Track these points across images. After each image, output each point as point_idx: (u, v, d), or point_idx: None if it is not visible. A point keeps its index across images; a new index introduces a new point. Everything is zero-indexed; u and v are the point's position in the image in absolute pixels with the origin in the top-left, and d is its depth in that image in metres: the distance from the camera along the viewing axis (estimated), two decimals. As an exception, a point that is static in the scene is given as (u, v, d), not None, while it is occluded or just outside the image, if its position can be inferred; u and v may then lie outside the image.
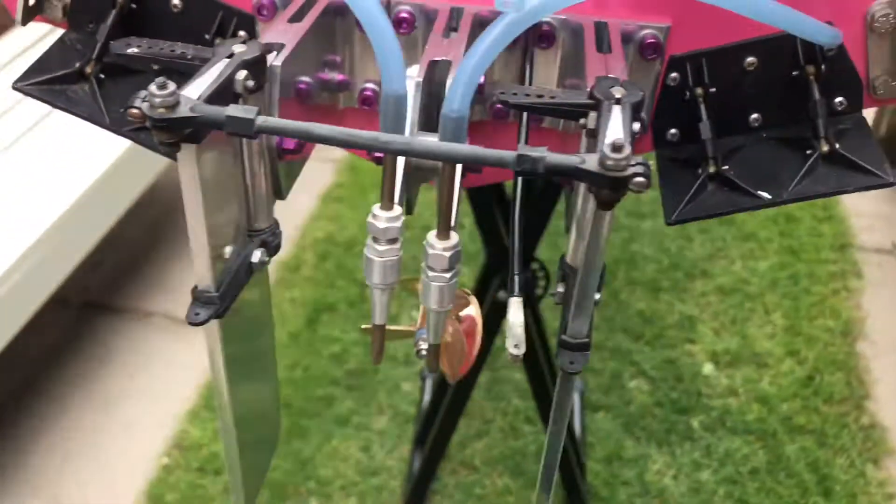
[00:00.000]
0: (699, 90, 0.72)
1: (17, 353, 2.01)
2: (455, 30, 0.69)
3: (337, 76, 0.74)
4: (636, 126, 0.53)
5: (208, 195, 0.54)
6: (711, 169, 0.72)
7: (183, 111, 0.47)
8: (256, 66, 0.56)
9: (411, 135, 0.59)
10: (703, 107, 0.72)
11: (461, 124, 0.53)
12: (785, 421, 2.11)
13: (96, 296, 2.39)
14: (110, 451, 2.07)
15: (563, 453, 1.98)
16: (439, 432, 1.83)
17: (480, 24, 0.70)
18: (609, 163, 0.45)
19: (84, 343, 2.30)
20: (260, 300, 0.68)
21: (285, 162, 0.64)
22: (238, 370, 0.66)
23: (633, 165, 0.45)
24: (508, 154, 0.45)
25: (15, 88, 0.71)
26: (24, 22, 0.74)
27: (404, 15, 0.72)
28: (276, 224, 0.65)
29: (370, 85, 0.75)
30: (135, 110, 0.47)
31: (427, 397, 2.11)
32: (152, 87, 0.47)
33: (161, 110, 0.47)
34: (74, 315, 2.35)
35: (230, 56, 0.55)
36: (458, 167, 0.57)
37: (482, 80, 0.70)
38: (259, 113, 0.46)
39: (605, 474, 2.02)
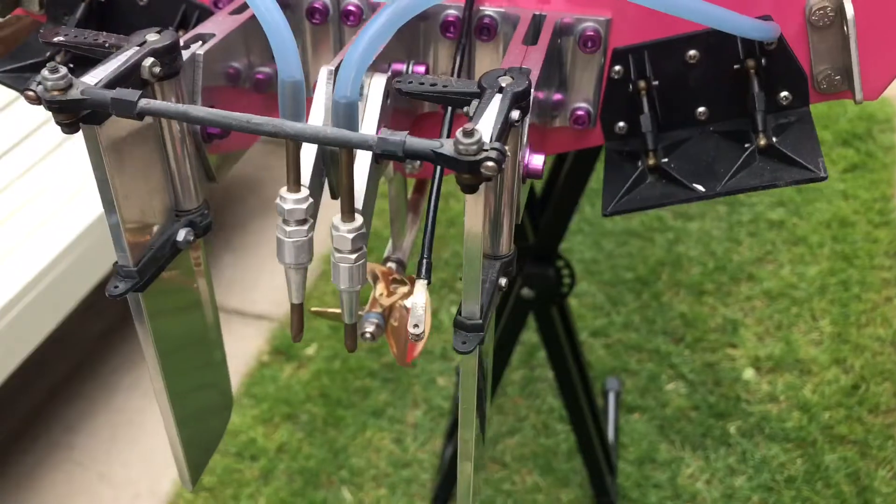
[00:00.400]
0: (641, 83, 0.72)
1: (71, 337, 2.12)
2: None
3: None
4: (514, 114, 0.54)
5: (123, 175, 0.57)
6: (651, 161, 0.72)
7: (73, 94, 0.51)
8: (167, 55, 0.59)
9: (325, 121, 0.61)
10: (644, 100, 0.72)
11: (351, 110, 0.55)
12: (826, 430, 2.05)
13: (149, 284, 2.48)
14: (154, 433, 2.16)
15: (591, 453, 1.98)
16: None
17: (425, 18, 0.72)
18: (461, 147, 0.46)
19: (133, 330, 2.39)
20: (196, 279, 0.71)
21: (219, 148, 0.67)
22: (174, 346, 0.69)
23: (486, 150, 0.46)
24: (371, 137, 0.47)
25: None
26: (2, 14, 0.79)
27: (351, 8, 0.74)
28: (206, 205, 0.68)
29: None
30: (30, 93, 0.51)
31: (461, 392, 2.13)
32: (45, 72, 0.51)
33: (54, 93, 0.51)
34: (125, 302, 2.45)
35: (142, 44, 0.59)
36: (368, 154, 0.59)
37: (424, 70, 0.72)
38: (143, 96, 0.49)
39: (636, 476, 2.00)
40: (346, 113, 0.55)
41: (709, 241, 2.55)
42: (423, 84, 0.57)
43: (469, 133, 0.46)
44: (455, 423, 2.05)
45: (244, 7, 0.71)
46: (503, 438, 2.11)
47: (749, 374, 2.19)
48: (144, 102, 0.49)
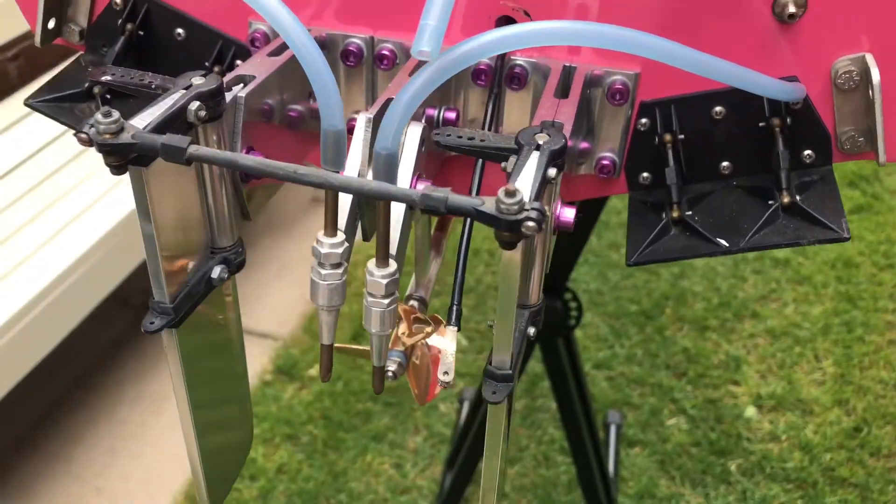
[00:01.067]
0: (667, 136, 0.74)
1: (78, 348, 2.12)
2: None
3: None
4: (552, 171, 0.55)
5: (163, 213, 0.58)
6: (675, 214, 0.73)
7: (125, 138, 0.52)
8: (212, 98, 0.60)
9: (363, 167, 0.62)
10: (669, 152, 0.73)
11: (392, 161, 0.57)
12: (827, 472, 2.05)
13: (155, 299, 2.49)
14: (154, 448, 2.15)
15: (592, 487, 1.97)
16: (468, 455, 1.85)
17: None
18: (502, 206, 0.47)
19: (140, 342, 2.40)
20: (227, 314, 0.72)
21: (256, 183, 0.68)
22: (201, 378, 0.70)
23: (526, 210, 0.47)
24: (414, 192, 0.48)
25: (26, 104, 0.78)
26: (43, 43, 0.80)
27: (385, 52, 0.76)
28: (240, 243, 0.69)
29: (355, 115, 0.79)
30: (82, 135, 0.52)
31: (463, 420, 2.13)
32: (98, 115, 0.52)
33: (106, 136, 0.52)
34: (133, 314, 2.46)
35: (188, 87, 0.60)
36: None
37: (454, 115, 0.73)
38: (193, 142, 0.50)
39: (635, 511, 2.00)
40: (387, 163, 0.57)
41: (714, 276, 2.56)
42: (460, 137, 0.58)
43: (511, 193, 0.47)
44: (455, 452, 2.05)
45: (282, 49, 0.72)
46: (503, 467, 2.11)
47: (751, 412, 2.19)
48: (193, 149, 0.50)
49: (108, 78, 0.63)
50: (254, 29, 0.78)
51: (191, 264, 0.64)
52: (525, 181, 0.53)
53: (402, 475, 2.09)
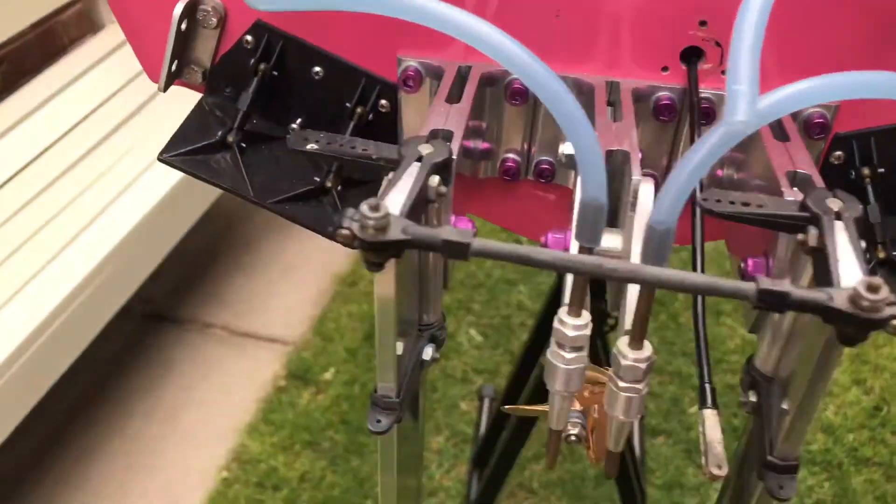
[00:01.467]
0: (866, 170, 0.69)
1: (83, 362, 2.04)
2: (612, 104, 0.67)
3: (481, 144, 0.72)
4: (862, 244, 0.50)
5: (400, 301, 0.52)
6: (881, 255, 0.68)
7: (395, 233, 0.45)
8: (445, 169, 0.54)
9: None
10: (870, 188, 0.68)
11: (667, 237, 0.51)
12: (851, 452, 2.07)
13: (158, 306, 2.41)
14: (172, 462, 2.09)
15: (626, 479, 1.95)
16: (500, 462, 1.82)
17: (638, 99, 0.68)
18: (865, 304, 0.41)
19: (147, 353, 2.32)
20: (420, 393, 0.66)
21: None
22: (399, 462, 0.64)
23: (890, 305, 0.40)
24: (748, 287, 0.42)
25: (161, 160, 0.71)
26: (166, 88, 0.73)
27: (518, 86, 0.70)
28: (444, 317, 0.63)
29: (512, 155, 0.73)
30: (345, 231, 0.44)
31: (485, 417, 2.10)
32: (364, 208, 0.44)
33: (372, 231, 0.45)
34: (137, 325, 2.37)
35: (419, 158, 0.54)
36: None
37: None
38: (476, 235, 0.44)
39: (665, 502, 2.00)
40: (663, 239, 0.50)
41: (723, 260, 2.55)
42: (733, 203, 0.53)
43: (875, 287, 0.40)
44: (480, 451, 2.02)
45: (457, 91, 0.65)
46: (529, 464, 2.09)
47: (771, 396, 2.20)
48: (478, 244, 0.44)
49: (315, 147, 0.56)
50: (405, 66, 0.71)
51: (401, 347, 0.57)
52: (851, 264, 0.47)
53: (427, 477, 2.05)
